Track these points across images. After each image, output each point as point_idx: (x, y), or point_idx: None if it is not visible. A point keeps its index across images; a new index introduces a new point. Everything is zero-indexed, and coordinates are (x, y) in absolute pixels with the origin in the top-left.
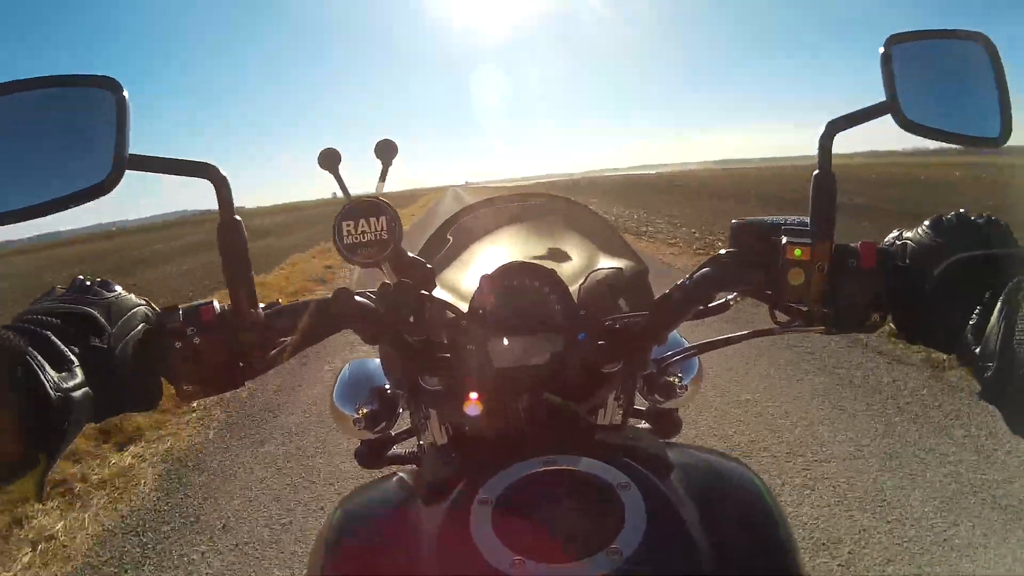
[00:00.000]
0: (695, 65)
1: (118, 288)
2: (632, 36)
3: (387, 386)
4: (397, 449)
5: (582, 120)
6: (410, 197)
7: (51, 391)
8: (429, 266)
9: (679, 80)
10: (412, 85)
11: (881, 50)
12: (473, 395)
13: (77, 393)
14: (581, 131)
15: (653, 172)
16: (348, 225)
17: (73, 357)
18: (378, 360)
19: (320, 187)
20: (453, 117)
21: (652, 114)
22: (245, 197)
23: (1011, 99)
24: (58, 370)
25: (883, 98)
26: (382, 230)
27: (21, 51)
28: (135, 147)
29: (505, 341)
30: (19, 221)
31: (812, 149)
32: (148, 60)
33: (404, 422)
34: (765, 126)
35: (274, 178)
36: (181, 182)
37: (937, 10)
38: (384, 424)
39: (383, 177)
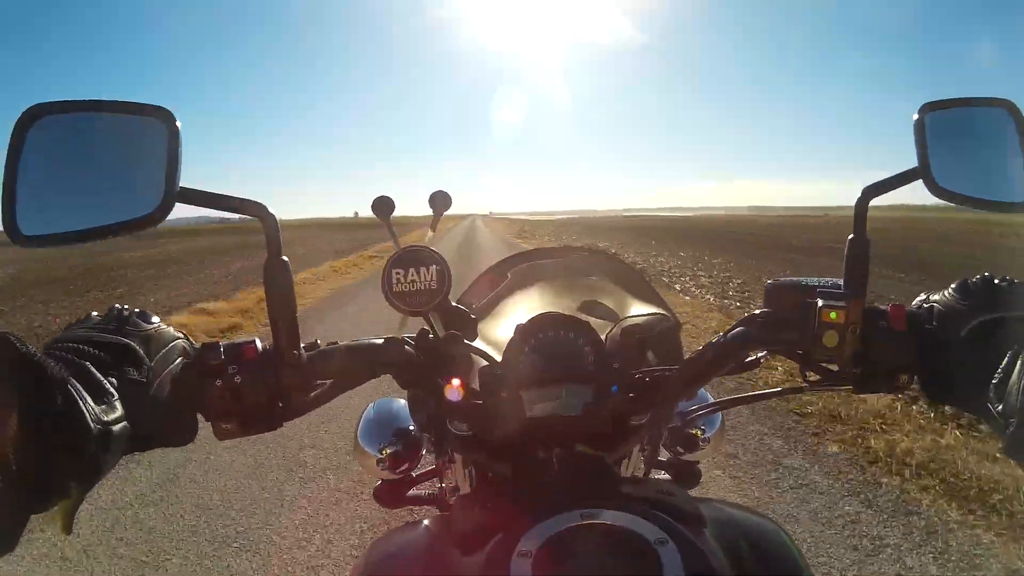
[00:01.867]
0: (731, 113)
1: (156, 319)
2: (669, 79)
3: (411, 427)
4: (416, 490)
5: (611, 161)
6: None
7: (91, 423)
8: (473, 316)
9: (711, 127)
10: (447, 113)
11: (915, 117)
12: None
13: (117, 427)
14: (609, 171)
15: (684, 215)
16: (398, 273)
17: (112, 390)
18: (402, 400)
19: (341, 205)
20: (483, 148)
21: (676, 158)
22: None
23: None
24: (97, 402)
25: (914, 163)
26: (432, 280)
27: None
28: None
29: (538, 391)
30: (65, 245)
31: (838, 200)
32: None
33: (426, 462)
34: (793, 176)
35: (294, 194)
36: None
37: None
38: (407, 466)
39: (434, 227)
